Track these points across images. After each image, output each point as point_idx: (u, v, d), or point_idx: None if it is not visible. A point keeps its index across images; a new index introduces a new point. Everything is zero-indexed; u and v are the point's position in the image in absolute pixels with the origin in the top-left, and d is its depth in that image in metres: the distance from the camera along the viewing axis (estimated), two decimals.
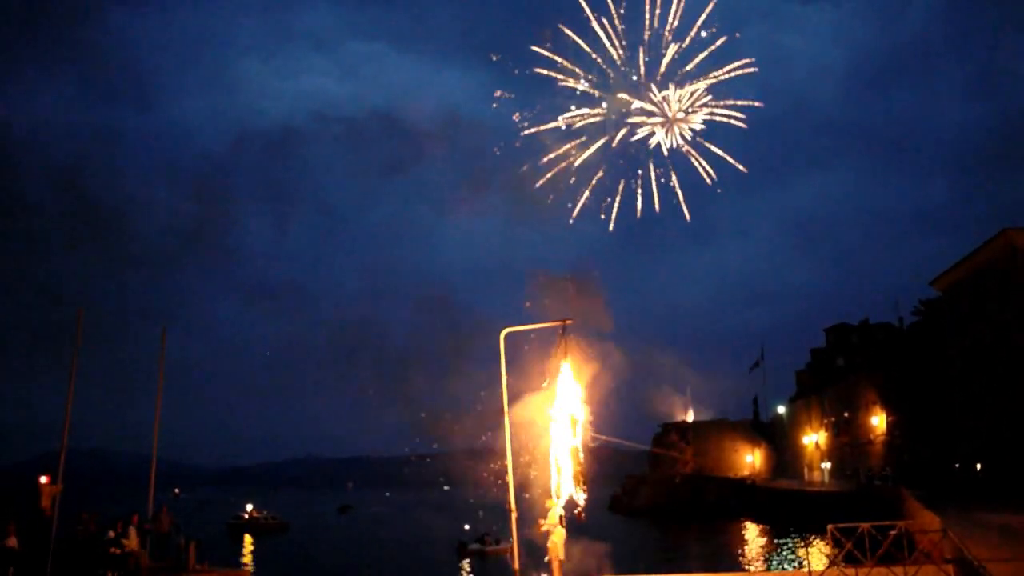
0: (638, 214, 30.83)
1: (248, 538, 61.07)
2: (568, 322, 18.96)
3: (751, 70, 30.21)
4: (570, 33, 29.21)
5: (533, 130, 30.28)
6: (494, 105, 30.30)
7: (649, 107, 29.75)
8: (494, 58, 30.42)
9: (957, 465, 47.41)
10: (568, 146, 30.36)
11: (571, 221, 31.29)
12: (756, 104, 30.05)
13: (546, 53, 29.27)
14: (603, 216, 30.49)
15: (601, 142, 30.23)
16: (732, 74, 30.08)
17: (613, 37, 29.45)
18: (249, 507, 73.63)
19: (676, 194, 30.90)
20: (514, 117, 29.98)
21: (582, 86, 29.55)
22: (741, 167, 30.66)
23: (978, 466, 45.25)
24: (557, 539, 17.74)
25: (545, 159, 30.17)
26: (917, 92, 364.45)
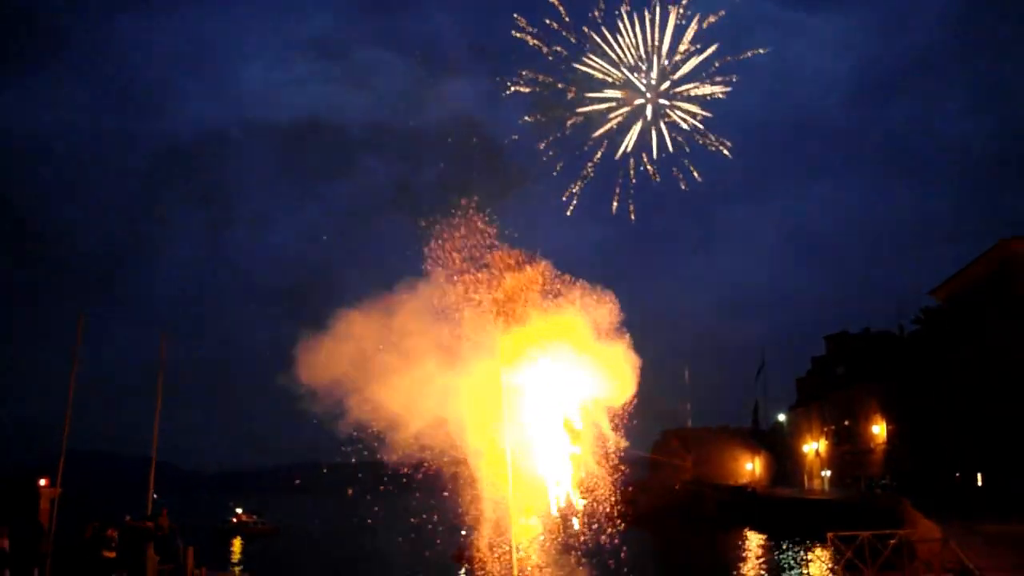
0: (631, 214, 30.47)
1: (237, 543, 60.76)
2: None
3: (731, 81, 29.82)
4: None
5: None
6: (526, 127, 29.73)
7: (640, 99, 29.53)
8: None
9: (958, 474, 47.27)
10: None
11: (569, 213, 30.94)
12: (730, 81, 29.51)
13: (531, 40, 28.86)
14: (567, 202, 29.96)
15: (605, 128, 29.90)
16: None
17: (616, 43, 29.27)
18: (239, 511, 72.81)
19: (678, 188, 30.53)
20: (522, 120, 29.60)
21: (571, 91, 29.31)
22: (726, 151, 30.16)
23: (979, 476, 45.12)
24: None
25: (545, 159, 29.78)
26: (922, 103, 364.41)
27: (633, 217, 30.25)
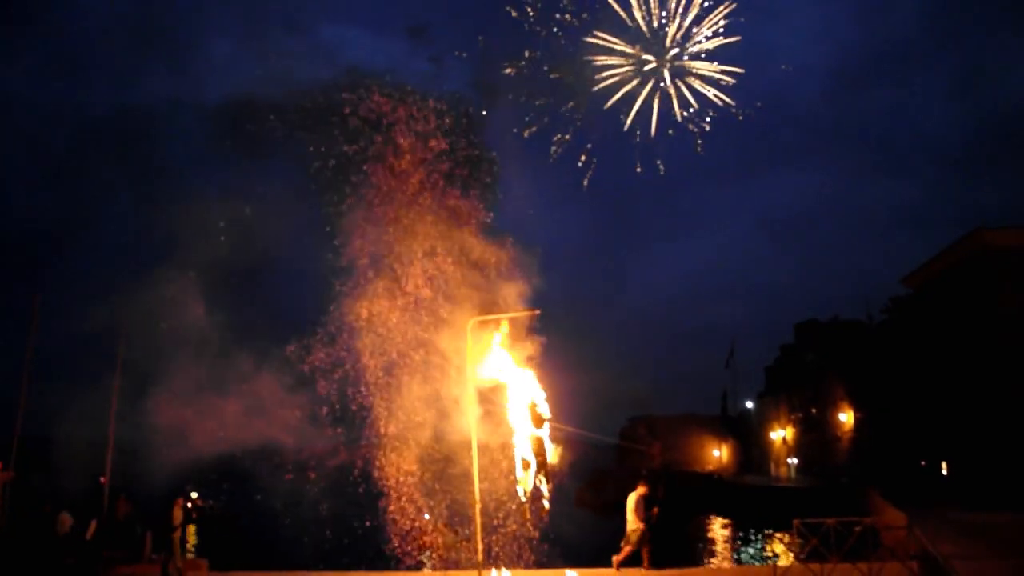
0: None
1: (192, 528, 60.11)
2: (537, 312, 18.58)
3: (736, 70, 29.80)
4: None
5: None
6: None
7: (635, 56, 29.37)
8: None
9: (923, 463, 47.67)
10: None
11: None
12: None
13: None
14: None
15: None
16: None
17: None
18: (195, 495, 71.62)
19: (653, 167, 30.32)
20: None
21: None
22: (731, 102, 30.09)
23: (944, 465, 45.51)
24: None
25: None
26: (898, 91, 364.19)
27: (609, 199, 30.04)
